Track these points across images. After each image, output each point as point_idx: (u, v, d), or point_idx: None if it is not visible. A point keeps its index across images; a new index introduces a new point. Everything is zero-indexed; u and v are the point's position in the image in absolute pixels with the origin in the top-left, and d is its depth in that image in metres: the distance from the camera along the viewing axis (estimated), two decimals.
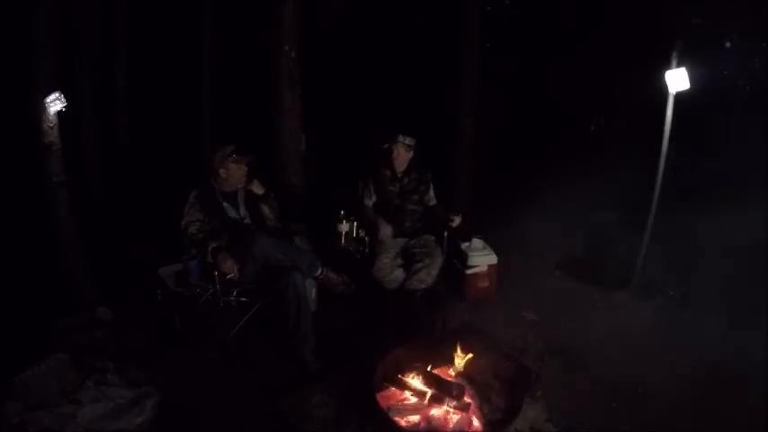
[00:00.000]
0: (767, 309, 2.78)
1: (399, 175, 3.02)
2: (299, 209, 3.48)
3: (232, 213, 2.56)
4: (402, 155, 2.95)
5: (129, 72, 5.03)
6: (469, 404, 1.98)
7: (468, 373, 2.17)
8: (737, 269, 3.21)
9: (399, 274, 2.84)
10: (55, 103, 2.48)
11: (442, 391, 1.96)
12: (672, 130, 2.84)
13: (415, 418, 1.94)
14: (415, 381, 2.02)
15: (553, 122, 5.14)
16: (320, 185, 4.09)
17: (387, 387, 2.05)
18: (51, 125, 2.52)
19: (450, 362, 2.16)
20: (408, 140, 2.95)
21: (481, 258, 3.08)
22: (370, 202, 3.05)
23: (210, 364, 2.38)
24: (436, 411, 1.96)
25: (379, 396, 1.96)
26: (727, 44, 3.84)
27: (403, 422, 1.90)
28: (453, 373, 2.17)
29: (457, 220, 2.88)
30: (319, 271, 2.58)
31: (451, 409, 1.95)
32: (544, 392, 2.10)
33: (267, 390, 2.17)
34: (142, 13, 5.13)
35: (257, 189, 2.61)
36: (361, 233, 2.94)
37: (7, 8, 3.08)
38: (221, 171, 2.50)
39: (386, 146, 2.98)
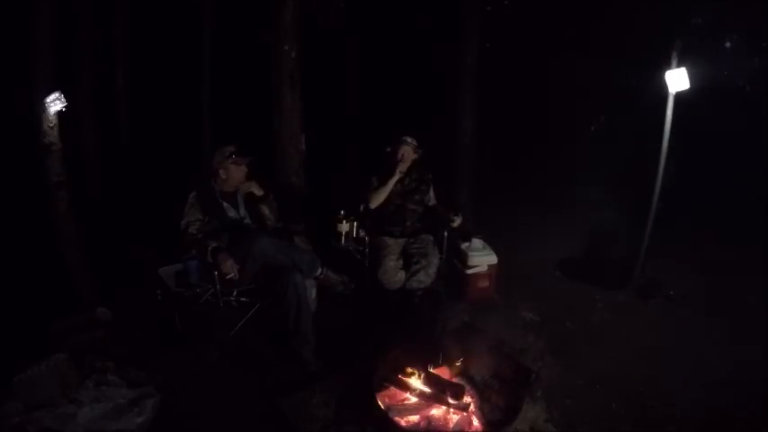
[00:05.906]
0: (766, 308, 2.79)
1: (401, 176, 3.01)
2: (299, 209, 3.48)
3: (232, 213, 2.56)
4: (409, 155, 2.96)
5: (129, 72, 5.02)
6: (469, 404, 1.98)
7: (468, 373, 2.17)
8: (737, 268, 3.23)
9: (401, 275, 2.84)
10: (55, 103, 2.48)
11: (442, 391, 1.96)
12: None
13: (414, 418, 1.94)
14: (415, 381, 2.02)
15: (554, 122, 5.15)
16: (320, 185, 4.09)
17: (387, 387, 2.05)
18: (51, 125, 2.52)
19: (449, 362, 2.15)
20: (414, 141, 2.97)
21: (481, 258, 3.09)
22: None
23: (210, 364, 2.38)
24: (436, 411, 1.96)
25: (379, 396, 1.96)
26: (728, 44, 3.84)
27: (403, 422, 1.90)
28: (453, 373, 2.17)
29: (457, 220, 2.88)
30: (319, 271, 2.57)
31: (451, 409, 1.95)
32: (544, 392, 2.10)
33: (267, 390, 2.17)
34: (142, 13, 5.13)
35: (257, 191, 2.61)
36: (362, 233, 2.94)
37: (7, 8, 3.07)
38: (221, 172, 2.50)
39: (389, 149, 2.98)
